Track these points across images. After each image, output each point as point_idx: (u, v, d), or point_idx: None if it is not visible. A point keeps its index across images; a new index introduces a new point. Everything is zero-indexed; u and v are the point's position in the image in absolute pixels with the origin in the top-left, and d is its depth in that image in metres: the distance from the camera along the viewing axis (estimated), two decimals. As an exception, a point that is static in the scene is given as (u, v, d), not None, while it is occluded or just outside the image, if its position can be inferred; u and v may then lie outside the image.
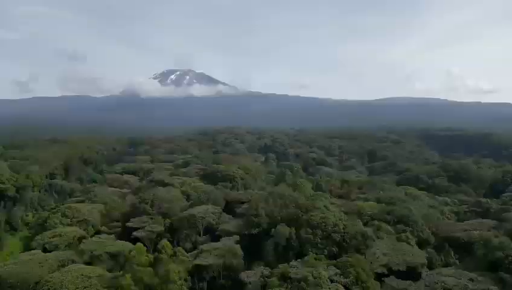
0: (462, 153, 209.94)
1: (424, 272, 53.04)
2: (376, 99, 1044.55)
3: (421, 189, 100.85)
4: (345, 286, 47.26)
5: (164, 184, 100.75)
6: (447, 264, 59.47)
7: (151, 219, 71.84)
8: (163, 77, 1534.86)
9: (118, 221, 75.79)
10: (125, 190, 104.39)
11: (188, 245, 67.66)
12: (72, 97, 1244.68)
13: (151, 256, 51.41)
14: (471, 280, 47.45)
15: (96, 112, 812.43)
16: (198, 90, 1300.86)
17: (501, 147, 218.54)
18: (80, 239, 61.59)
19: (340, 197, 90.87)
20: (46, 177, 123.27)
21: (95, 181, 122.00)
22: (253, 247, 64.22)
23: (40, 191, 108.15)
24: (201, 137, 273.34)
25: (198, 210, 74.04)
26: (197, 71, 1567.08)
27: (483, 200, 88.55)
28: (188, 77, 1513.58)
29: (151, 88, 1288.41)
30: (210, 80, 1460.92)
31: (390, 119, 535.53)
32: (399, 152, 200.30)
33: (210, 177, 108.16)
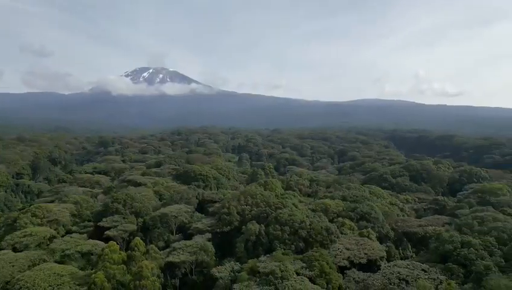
0: (426, 153, 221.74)
1: (383, 264, 57.14)
2: (347, 101, 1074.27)
3: (384, 188, 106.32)
4: (309, 279, 50.42)
5: (137, 184, 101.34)
6: (404, 257, 64.05)
7: (124, 218, 72.58)
8: (135, 75, 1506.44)
9: (89, 221, 75.86)
10: (96, 190, 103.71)
11: (161, 244, 68.95)
12: (38, 94, 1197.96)
13: (124, 254, 52.39)
14: (424, 270, 51.86)
15: (64, 110, 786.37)
16: (172, 88, 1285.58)
17: (461, 148, 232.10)
18: (51, 239, 61.53)
19: (309, 195, 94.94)
20: (13, 177, 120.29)
21: (64, 181, 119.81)
22: (225, 244, 66.59)
23: (6, 191, 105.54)
24: (175, 137, 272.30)
25: (170, 209, 75.38)
26: (171, 69, 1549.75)
27: (440, 198, 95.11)
28: (161, 75, 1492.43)
29: (123, 86, 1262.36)
30: (184, 79, 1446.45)
31: (360, 120, 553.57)
32: (367, 152, 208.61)
33: (183, 177, 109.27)
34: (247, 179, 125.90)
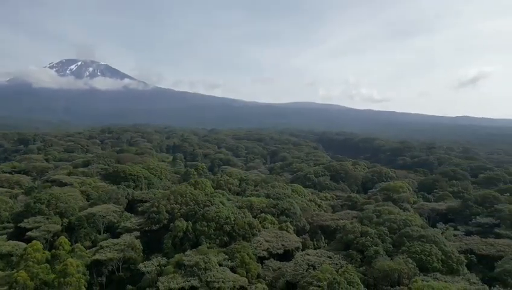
0: (351, 154, 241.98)
1: (297, 253, 64.62)
2: (284, 103, 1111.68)
3: (307, 186, 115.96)
4: (231, 269, 55.73)
5: (62, 184, 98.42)
6: (318, 247, 72.13)
7: (47, 218, 71.19)
8: (61, 67, 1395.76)
9: (8, 222, 72.86)
10: (16, 190, 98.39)
11: (87, 243, 69.01)
12: None
13: (47, 253, 52.60)
14: (329, 257, 60.29)
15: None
16: (103, 83, 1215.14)
17: (380, 150, 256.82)
18: (-35, 242, 58.84)
19: (237, 194, 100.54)
20: None
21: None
22: (154, 242, 69.03)
23: None
24: (105, 135, 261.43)
25: (98, 209, 75.59)
26: (102, 63, 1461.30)
27: (353, 195, 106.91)
28: (90, 69, 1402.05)
29: (46, 78, 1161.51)
30: (116, 73, 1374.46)
31: (294, 123, 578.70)
32: (297, 154, 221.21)
33: (112, 177, 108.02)
34: (179, 179, 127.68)
